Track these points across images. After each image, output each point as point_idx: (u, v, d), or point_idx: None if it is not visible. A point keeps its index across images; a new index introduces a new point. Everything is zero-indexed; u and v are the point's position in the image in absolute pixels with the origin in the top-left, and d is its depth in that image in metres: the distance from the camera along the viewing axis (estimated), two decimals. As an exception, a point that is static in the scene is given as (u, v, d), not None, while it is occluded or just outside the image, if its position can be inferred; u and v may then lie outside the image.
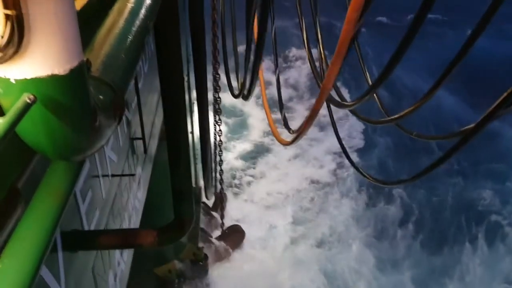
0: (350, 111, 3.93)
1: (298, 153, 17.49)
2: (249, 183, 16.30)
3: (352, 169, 15.40)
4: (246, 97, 5.90)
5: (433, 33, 22.42)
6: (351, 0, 2.28)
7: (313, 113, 3.37)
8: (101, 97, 1.80)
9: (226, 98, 8.91)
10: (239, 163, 17.10)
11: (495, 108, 2.10)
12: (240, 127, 18.89)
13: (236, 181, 16.29)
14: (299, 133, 4.02)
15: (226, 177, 14.21)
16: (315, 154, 17.32)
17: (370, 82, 3.57)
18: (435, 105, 17.93)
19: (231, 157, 17.19)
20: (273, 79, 6.38)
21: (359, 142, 17.90)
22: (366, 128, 18.15)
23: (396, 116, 3.09)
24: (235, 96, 6.65)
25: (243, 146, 17.99)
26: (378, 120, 3.58)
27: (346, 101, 3.78)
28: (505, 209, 15.02)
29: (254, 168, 17.01)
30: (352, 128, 18.24)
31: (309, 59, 4.59)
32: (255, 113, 18.94)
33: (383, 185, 3.93)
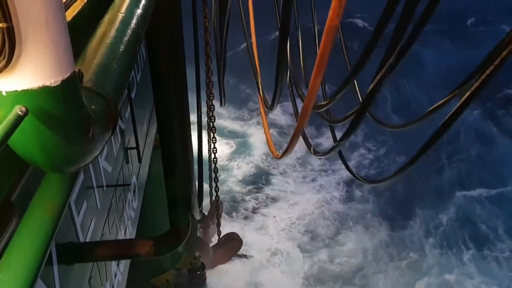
0: (319, 113, 3.96)
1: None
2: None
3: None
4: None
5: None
6: (329, 12, 2.26)
7: (301, 122, 3.36)
8: (94, 107, 1.79)
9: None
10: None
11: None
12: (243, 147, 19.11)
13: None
14: (290, 142, 4.03)
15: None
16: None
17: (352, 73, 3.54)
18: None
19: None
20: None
21: (368, 172, 17.79)
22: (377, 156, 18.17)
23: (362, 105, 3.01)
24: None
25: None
26: (344, 116, 3.55)
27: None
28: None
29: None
30: (362, 157, 18.30)
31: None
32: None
33: (372, 184, 3.97)
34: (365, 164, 17.84)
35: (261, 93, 5.81)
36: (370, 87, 2.60)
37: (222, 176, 15.96)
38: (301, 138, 4.46)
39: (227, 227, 14.38)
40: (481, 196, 16.14)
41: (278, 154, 5.18)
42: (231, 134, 19.37)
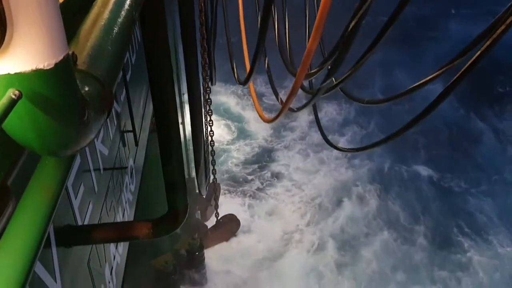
0: (302, 88, 4.04)
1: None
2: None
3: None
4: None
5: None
6: None
7: (294, 89, 3.38)
8: (88, 90, 1.77)
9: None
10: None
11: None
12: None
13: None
14: (282, 108, 4.10)
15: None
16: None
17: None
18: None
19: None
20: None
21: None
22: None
23: (338, 81, 3.07)
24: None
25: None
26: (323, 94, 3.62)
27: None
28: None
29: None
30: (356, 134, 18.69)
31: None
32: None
33: (353, 152, 4.12)
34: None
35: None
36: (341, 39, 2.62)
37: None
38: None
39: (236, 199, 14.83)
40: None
41: (267, 118, 5.36)
42: (228, 115, 19.68)
